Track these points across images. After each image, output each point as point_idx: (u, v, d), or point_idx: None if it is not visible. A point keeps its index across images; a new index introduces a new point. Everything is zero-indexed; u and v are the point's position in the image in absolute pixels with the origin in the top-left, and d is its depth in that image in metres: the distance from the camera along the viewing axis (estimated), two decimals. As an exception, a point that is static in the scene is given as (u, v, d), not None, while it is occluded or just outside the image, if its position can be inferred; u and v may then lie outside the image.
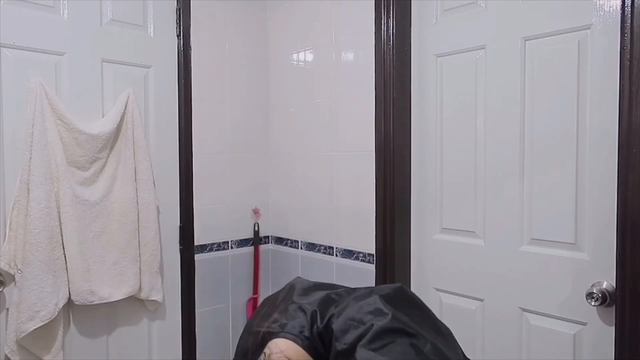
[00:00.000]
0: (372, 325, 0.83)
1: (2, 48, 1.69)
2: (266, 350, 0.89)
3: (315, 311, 0.91)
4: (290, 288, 1.04)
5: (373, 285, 1.93)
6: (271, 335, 0.91)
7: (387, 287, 0.95)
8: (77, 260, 1.77)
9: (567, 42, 1.50)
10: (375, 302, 0.88)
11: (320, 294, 0.96)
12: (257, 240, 2.39)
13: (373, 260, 1.96)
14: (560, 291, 1.54)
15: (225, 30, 2.28)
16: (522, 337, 1.64)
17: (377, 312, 0.85)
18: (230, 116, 2.31)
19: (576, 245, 1.51)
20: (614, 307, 1.40)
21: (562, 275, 1.53)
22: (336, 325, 0.86)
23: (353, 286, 1.07)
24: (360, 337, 0.81)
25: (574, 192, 1.50)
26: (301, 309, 0.92)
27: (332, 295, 0.96)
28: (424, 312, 0.92)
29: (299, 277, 1.12)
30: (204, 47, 2.20)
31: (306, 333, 0.88)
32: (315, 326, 0.89)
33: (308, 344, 0.87)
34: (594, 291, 1.43)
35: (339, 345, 0.83)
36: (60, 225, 1.75)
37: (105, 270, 1.86)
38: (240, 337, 1.05)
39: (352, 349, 0.81)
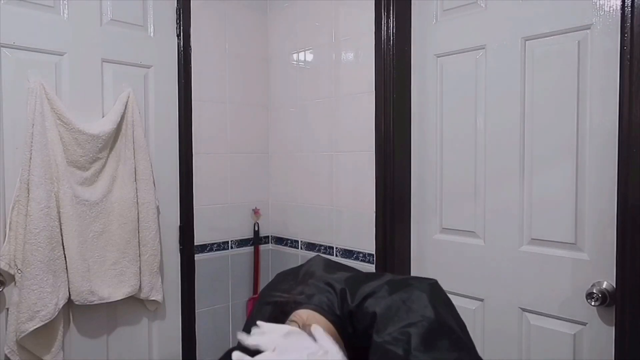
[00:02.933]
0: (422, 325, 0.75)
1: (2, 48, 1.69)
2: (294, 318, 0.80)
3: (344, 289, 0.84)
4: (312, 263, 0.97)
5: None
6: (297, 305, 0.83)
7: (426, 283, 0.85)
8: (77, 260, 1.77)
9: (567, 42, 1.50)
10: (422, 298, 0.79)
11: (346, 273, 0.90)
12: (257, 240, 2.39)
13: (373, 260, 1.96)
14: (560, 291, 1.54)
15: (225, 30, 2.28)
16: (522, 337, 1.64)
17: (424, 311, 0.77)
18: (230, 116, 2.31)
19: (576, 245, 1.51)
20: (614, 307, 1.40)
21: (562, 275, 1.53)
22: (379, 311, 0.78)
23: None
24: (408, 340, 0.73)
25: (574, 192, 1.50)
26: (329, 284, 0.85)
27: (360, 276, 0.89)
28: (456, 312, 0.85)
29: (319, 254, 1.05)
30: (204, 47, 2.20)
31: (337, 311, 0.81)
32: (345, 304, 0.82)
33: (336, 320, 0.80)
34: (594, 291, 1.43)
35: (379, 338, 0.75)
36: (60, 225, 1.75)
37: (105, 270, 1.86)
38: (255, 309, 0.97)
39: (396, 345, 0.73)
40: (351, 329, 0.80)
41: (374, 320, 0.78)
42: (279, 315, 0.83)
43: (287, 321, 0.80)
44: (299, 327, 0.77)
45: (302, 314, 0.80)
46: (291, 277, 0.97)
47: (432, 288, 0.83)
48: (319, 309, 0.81)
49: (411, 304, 0.78)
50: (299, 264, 2.40)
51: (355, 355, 0.79)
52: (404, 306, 0.78)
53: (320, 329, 0.75)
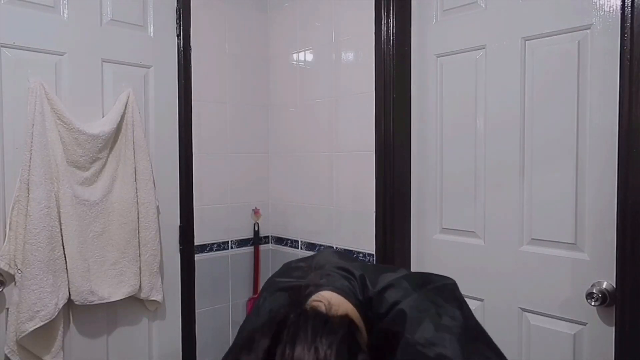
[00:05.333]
0: (456, 328, 0.73)
1: (2, 48, 1.69)
2: (318, 298, 0.76)
3: (364, 275, 0.82)
4: (324, 253, 0.95)
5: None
6: (319, 288, 0.79)
7: (450, 282, 0.84)
8: (77, 260, 1.77)
9: (567, 42, 1.50)
10: (450, 300, 0.79)
11: (360, 263, 0.88)
12: (257, 240, 2.39)
13: (373, 260, 1.95)
14: (560, 291, 1.54)
15: (225, 30, 2.28)
16: (522, 337, 1.64)
17: (454, 313, 0.76)
18: (230, 116, 2.31)
19: (576, 245, 1.51)
20: (614, 307, 1.40)
21: (562, 275, 1.53)
22: (407, 309, 0.75)
23: None
24: (443, 344, 0.71)
25: (574, 192, 1.50)
26: (348, 270, 0.82)
27: (376, 266, 0.88)
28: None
29: (329, 248, 1.02)
30: (204, 47, 2.20)
31: (359, 296, 0.78)
32: (366, 289, 0.79)
33: (359, 306, 0.77)
34: (594, 291, 1.43)
35: (412, 338, 0.72)
36: (60, 225, 1.75)
37: (105, 270, 1.86)
38: (261, 298, 0.92)
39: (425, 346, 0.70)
40: (370, 314, 0.78)
41: (399, 316, 0.75)
42: (298, 299, 0.79)
43: (310, 301, 0.76)
44: (325, 307, 0.72)
45: (326, 294, 0.77)
46: (303, 264, 0.94)
47: (456, 288, 0.82)
48: (341, 292, 0.78)
49: (441, 305, 0.77)
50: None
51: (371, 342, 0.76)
52: (433, 306, 0.76)
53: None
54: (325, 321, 0.65)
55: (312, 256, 0.98)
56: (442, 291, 0.80)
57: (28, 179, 1.68)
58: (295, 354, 0.58)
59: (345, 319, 0.68)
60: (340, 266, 0.84)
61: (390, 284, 0.80)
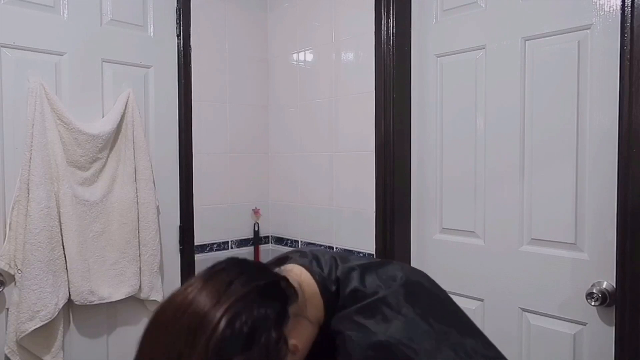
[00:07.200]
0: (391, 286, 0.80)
1: (2, 48, 1.69)
2: (284, 267, 0.83)
3: (335, 257, 0.87)
4: (300, 248, 1.00)
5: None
6: (286, 260, 0.86)
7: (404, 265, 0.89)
8: (77, 260, 1.77)
9: (567, 42, 1.50)
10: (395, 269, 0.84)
11: (335, 252, 0.93)
12: (257, 240, 2.39)
13: (373, 260, 1.95)
14: (560, 291, 1.54)
15: (225, 31, 2.28)
16: (522, 337, 1.64)
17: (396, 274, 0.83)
18: (230, 116, 2.31)
19: (576, 245, 1.51)
20: (614, 307, 1.40)
21: (562, 275, 1.53)
22: (368, 282, 0.81)
23: None
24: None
25: (574, 192, 1.50)
26: (318, 254, 0.88)
27: (349, 255, 0.92)
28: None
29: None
30: (204, 47, 2.20)
31: (322, 269, 0.83)
32: (333, 269, 0.84)
33: (320, 280, 0.81)
34: (594, 291, 1.43)
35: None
36: (60, 225, 1.75)
37: (105, 270, 1.86)
38: None
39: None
40: (334, 288, 0.82)
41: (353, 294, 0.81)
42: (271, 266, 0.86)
43: (277, 269, 0.82)
44: (279, 271, 0.80)
45: (287, 265, 0.84)
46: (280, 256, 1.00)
47: (407, 265, 0.88)
48: (306, 267, 0.83)
49: (384, 273, 0.83)
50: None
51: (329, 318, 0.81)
52: (378, 272, 0.83)
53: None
54: (263, 273, 0.75)
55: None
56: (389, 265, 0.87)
57: (28, 179, 1.68)
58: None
59: (288, 285, 0.74)
60: (313, 252, 0.89)
61: (356, 266, 0.85)
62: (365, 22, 1.95)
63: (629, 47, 1.31)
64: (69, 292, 1.77)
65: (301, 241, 2.29)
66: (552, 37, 1.53)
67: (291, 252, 0.91)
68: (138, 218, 1.93)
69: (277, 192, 2.42)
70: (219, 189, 2.27)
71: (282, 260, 0.88)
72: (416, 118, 1.91)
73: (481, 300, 1.73)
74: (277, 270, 0.80)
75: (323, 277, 0.82)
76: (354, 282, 0.81)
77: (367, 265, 0.84)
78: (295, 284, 0.76)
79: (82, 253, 1.79)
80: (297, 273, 0.81)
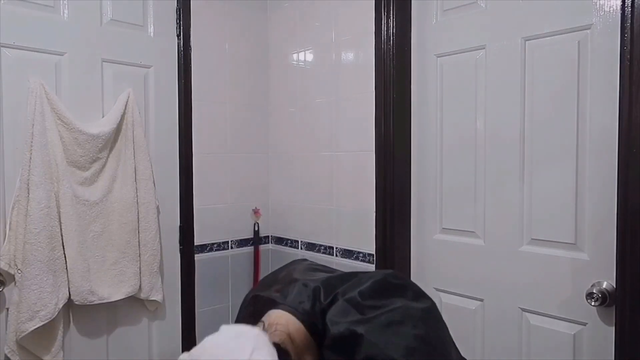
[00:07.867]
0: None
1: (2, 48, 1.69)
2: (265, 319, 0.84)
3: (319, 287, 0.88)
4: (292, 266, 1.02)
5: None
6: (272, 304, 0.87)
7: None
8: (77, 260, 1.77)
9: (567, 42, 1.50)
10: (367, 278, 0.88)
11: (325, 274, 0.94)
12: (257, 240, 2.39)
13: (373, 260, 1.95)
14: (560, 291, 1.54)
15: (225, 30, 2.28)
16: (522, 337, 1.63)
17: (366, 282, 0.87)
18: (230, 116, 2.31)
19: (576, 245, 1.51)
20: (614, 307, 1.40)
21: (562, 275, 1.53)
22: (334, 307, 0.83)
23: None
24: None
25: (573, 192, 1.50)
26: (304, 284, 0.89)
27: (338, 276, 0.93)
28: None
29: (304, 258, 1.09)
30: (204, 47, 2.20)
31: (306, 307, 0.84)
32: (317, 302, 0.85)
33: (306, 319, 0.83)
34: (594, 291, 1.43)
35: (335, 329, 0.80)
36: (60, 225, 1.75)
37: (105, 270, 1.86)
38: (239, 310, 1.02)
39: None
40: (321, 325, 0.83)
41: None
42: (256, 314, 0.87)
43: (259, 322, 0.83)
44: (264, 327, 0.80)
45: (272, 314, 0.84)
46: (272, 277, 1.00)
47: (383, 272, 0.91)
48: (290, 310, 0.84)
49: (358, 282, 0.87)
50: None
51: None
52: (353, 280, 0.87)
53: (265, 339, 0.76)
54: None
55: (282, 267, 1.04)
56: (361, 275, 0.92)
57: (28, 179, 1.68)
58: None
59: (281, 351, 0.75)
60: (301, 280, 0.91)
61: (339, 292, 0.86)
62: (365, 22, 1.95)
63: (629, 47, 1.32)
64: (69, 292, 1.77)
65: (301, 241, 2.29)
66: (552, 37, 1.54)
67: (274, 286, 0.92)
68: (138, 218, 1.93)
69: (277, 192, 2.42)
70: (219, 189, 2.27)
71: (266, 304, 0.88)
72: (416, 118, 1.91)
73: (481, 300, 1.73)
74: (261, 322, 0.81)
75: (309, 315, 0.83)
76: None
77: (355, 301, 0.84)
78: (284, 336, 0.77)
79: (82, 253, 1.79)
80: (283, 324, 0.81)
